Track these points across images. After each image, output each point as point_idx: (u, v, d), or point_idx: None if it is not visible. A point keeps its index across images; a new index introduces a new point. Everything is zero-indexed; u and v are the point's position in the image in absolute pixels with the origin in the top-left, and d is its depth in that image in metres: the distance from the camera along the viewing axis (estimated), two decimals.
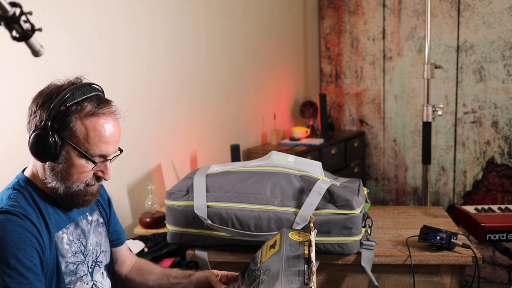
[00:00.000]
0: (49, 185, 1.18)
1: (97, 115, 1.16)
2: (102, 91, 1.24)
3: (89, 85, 1.20)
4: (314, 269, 1.09)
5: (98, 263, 1.32)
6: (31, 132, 1.15)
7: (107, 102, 1.21)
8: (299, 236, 1.26)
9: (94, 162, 1.18)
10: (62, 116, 1.14)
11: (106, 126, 1.18)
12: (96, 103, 1.17)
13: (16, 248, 1.07)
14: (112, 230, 1.44)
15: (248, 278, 1.23)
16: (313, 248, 1.16)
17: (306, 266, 1.11)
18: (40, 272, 1.11)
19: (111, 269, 1.42)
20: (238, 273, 1.32)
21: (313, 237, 1.20)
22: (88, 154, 1.16)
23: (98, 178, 1.23)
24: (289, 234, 1.27)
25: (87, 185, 1.21)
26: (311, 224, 1.25)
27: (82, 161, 1.17)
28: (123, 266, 1.51)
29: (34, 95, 1.19)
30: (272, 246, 1.26)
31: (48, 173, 1.18)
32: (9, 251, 1.06)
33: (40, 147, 1.13)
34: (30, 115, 1.17)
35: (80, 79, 1.21)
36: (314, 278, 1.07)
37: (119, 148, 1.25)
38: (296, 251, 1.18)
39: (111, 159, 1.23)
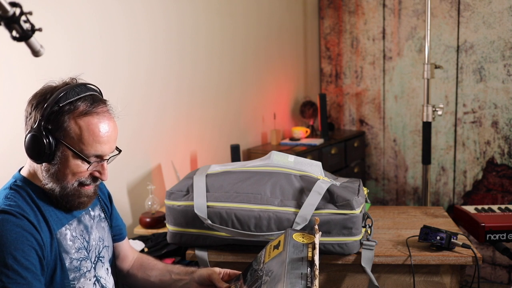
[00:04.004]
0: (46, 186, 1.18)
1: (91, 114, 1.16)
2: (99, 91, 1.23)
3: (84, 85, 1.19)
4: (317, 272, 1.09)
5: (100, 258, 1.32)
6: (26, 133, 1.15)
7: (102, 101, 1.19)
8: (303, 238, 1.25)
9: (89, 162, 1.17)
10: (56, 116, 1.13)
11: (101, 125, 1.17)
12: (90, 103, 1.16)
13: (14, 248, 1.07)
14: (113, 224, 1.45)
15: (251, 277, 1.22)
16: (317, 251, 1.15)
17: (309, 269, 1.10)
18: (39, 271, 1.11)
19: (113, 264, 1.42)
20: (240, 272, 1.32)
21: (317, 239, 1.19)
22: (83, 155, 1.16)
23: (94, 179, 1.22)
24: (294, 236, 1.26)
25: (82, 184, 1.20)
26: (316, 227, 1.24)
27: (78, 162, 1.16)
28: (125, 262, 1.51)
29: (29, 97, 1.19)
30: (276, 247, 1.25)
31: (44, 174, 1.17)
32: (7, 251, 1.06)
33: (35, 148, 1.13)
34: (26, 117, 1.17)
35: (75, 80, 1.20)
36: (317, 282, 1.06)
37: (117, 148, 1.24)
38: (300, 253, 1.17)
39: (108, 159, 1.22)
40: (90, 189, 1.22)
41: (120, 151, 1.26)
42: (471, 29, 3.14)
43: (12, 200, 1.14)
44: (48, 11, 1.92)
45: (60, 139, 1.15)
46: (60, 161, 1.16)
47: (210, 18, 2.77)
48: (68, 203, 1.20)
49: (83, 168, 1.17)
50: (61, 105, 1.13)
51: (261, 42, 3.22)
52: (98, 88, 1.23)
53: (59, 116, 1.14)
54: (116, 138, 1.22)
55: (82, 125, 1.15)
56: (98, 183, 1.24)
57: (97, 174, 1.21)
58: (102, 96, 1.24)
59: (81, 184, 1.20)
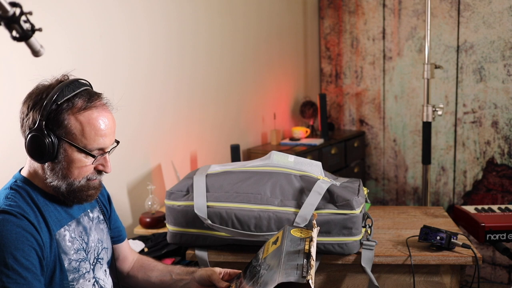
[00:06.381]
0: (51, 184, 1.18)
1: (90, 109, 1.17)
2: (90, 85, 1.24)
3: (77, 80, 1.20)
4: (313, 262, 1.09)
5: (99, 260, 1.32)
6: (26, 134, 1.15)
7: (97, 95, 1.21)
8: (301, 233, 1.27)
9: (93, 156, 1.19)
10: (55, 114, 1.14)
11: (100, 119, 1.18)
12: (87, 98, 1.17)
13: (14, 248, 1.07)
14: (112, 226, 1.45)
15: (250, 274, 1.23)
16: (314, 244, 1.16)
17: (305, 260, 1.11)
18: (39, 271, 1.11)
19: (113, 266, 1.42)
20: (240, 271, 1.33)
21: (315, 233, 1.21)
22: (86, 149, 1.17)
23: (99, 172, 1.23)
24: (291, 231, 1.28)
25: (89, 179, 1.21)
26: (314, 221, 1.25)
27: (81, 157, 1.17)
28: (125, 263, 1.51)
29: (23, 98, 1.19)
30: (274, 243, 1.27)
31: (48, 173, 1.18)
32: (7, 251, 1.06)
33: (38, 149, 1.13)
34: (23, 119, 1.17)
35: (67, 76, 1.21)
36: (312, 271, 1.07)
37: (116, 140, 1.26)
38: (297, 247, 1.19)
39: (109, 151, 1.23)
40: (96, 181, 1.24)
41: (118, 142, 1.26)
42: (471, 29, 3.14)
43: (12, 200, 1.14)
44: (48, 11, 1.92)
45: (62, 137, 1.15)
46: (64, 159, 1.16)
47: (210, 18, 2.77)
48: (76, 198, 1.21)
49: (87, 162, 1.19)
50: (59, 103, 1.14)
51: (261, 42, 3.21)
52: (89, 82, 1.24)
53: (58, 114, 1.14)
54: (115, 130, 1.24)
55: (82, 121, 1.16)
56: (102, 176, 1.26)
57: (100, 167, 1.23)
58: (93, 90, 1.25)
59: (88, 179, 1.21)
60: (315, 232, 1.21)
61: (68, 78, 1.20)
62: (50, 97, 1.13)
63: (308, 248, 1.16)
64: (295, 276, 1.06)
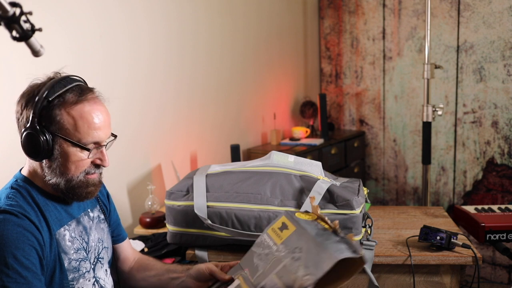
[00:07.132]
0: (50, 182, 1.18)
1: (81, 102, 1.16)
2: (84, 81, 1.24)
3: (68, 77, 1.20)
4: (348, 235, 1.10)
5: (100, 259, 1.32)
6: (21, 133, 1.16)
7: (89, 90, 1.20)
8: (308, 216, 1.26)
9: (88, 150, 1.18)
10: (47, 111, 1.14)
11: (93, 112, 1.17)
12: (78, 92, 1.17)
13: (15, 247, 1.07)
14: (113, 226, 1.45)
15: (264, 262, 1.19)
16: (328, 221, 1.18)
17: (339, 236, 1.11)
18: (39, 271, 1.11)
19: (114, 266, 1.42)
20: (238, 261, 1.31)
21: (319, 212, 1.23)
22: (81, 144, 1.16)
23: (97, 166, 1.22)
24: (297, 215, 1.26)
25: (87, 173, 1.21)
26: (313, 204, 1.26)
27: (77, 152, 1.17)
28: (126, 263, 1.50)
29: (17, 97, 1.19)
30: (282, 229, 1.24)
31: (46, 171, 1.18)
32: (8, 251, 1.06)
33: (33, 147, 1.13)
34: (18, 118, 1.18)
35: (58, 74, 1.21)
36: (353, 242, 1.08)
37: (113, 134, 1.25)
38: (317, 227, 1.18)
39: (106, 145, 1.22)
40: (95, 177, 1.23)
41: (115, 136, 1.26)
42: (471, 29, 3.14)
43: (13, 199, 1.14)
44: (48, 11, 1.92)
45: (55, 133, 1.15)
46: (60, 155, 1.16)
47: (210, 18, 2.77)
48: (75, 195, 1.21)
49: (83, 157, 1.18)
50: (50, 99, 1.14)
51: (261, 42, 3.22)
52: (82, 79, 1.24)
53: (51, 110, 1.14)
54: (110, 123, 1.23)
55: (75, 115, 1.15)
56: (101, 170, 1.25)
57: (98, 161, 1.22)
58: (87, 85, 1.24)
59: (87, 173, 1.21)
60: (319, 211, 1.22)
61: (60, 75, 1.20)
62: (41, 94, 1.13)
63: (328, 226, 1.16)
64: (348, 252, 1.04)
